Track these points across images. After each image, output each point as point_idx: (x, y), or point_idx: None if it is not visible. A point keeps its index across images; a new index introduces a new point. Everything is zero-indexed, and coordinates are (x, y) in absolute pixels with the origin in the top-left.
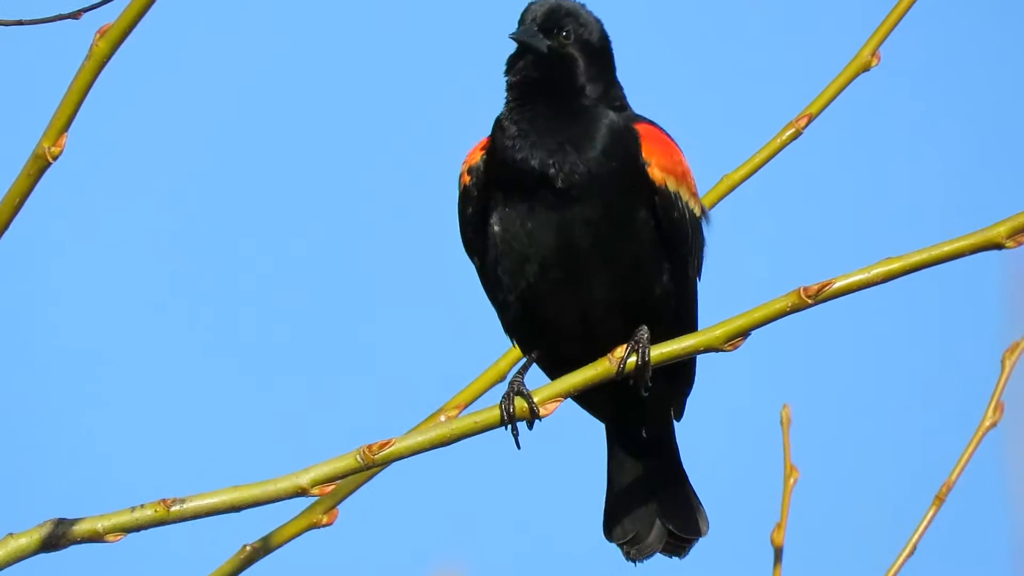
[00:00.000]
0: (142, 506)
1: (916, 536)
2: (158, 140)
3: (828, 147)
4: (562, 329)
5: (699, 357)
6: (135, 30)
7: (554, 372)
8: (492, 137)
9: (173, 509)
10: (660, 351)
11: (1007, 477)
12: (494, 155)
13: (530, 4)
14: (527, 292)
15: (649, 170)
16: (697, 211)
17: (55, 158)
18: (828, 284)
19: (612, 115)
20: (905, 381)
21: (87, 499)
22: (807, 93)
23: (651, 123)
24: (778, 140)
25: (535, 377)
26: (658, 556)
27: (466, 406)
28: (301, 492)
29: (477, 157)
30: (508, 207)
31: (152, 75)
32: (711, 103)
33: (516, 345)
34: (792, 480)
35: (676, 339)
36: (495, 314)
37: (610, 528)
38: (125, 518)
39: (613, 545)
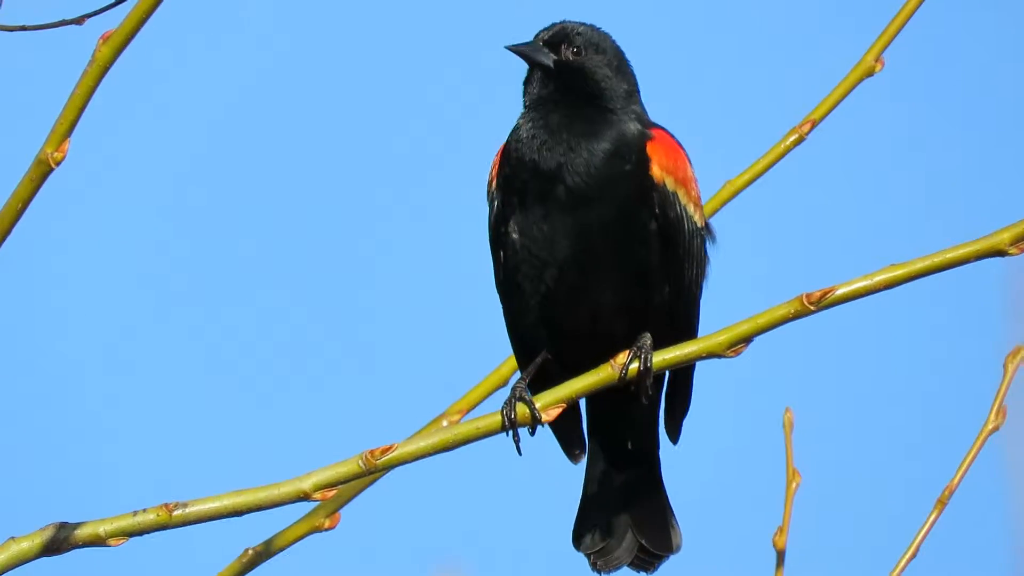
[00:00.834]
0: (144, 510)
1: (918, 539)
2: (160, 145)
3: (831, 153)
4: (573, 334)
5: (702, 363)
6: (138, 36)
7: (556, 378)
8: (507, 143)
9: (175, 513)
10: (662, 357)
11: (1009, 481)
12: (508, 159)
13: (548, 26)
14: (545, 297)
15: (650, 167)
16: (698, 221)
17: (58, 164)
18: (831, 291)
19: (625, 121)
20: (907, 386)
21: (89, 503)
22: (810, 99)
23: (664, 130)
24: (781, 146)
25: (536, 383)
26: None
27: (468, 411)
28: (303, 496)
29: (499, 160)
30: (524, 213)
31: (155, 81)
32: (714, 109)
33: (517, 353)
34: (794, 484)
35: (678, 345)
36: (497, 319)
37: (579, 537)
38: (127, 522)
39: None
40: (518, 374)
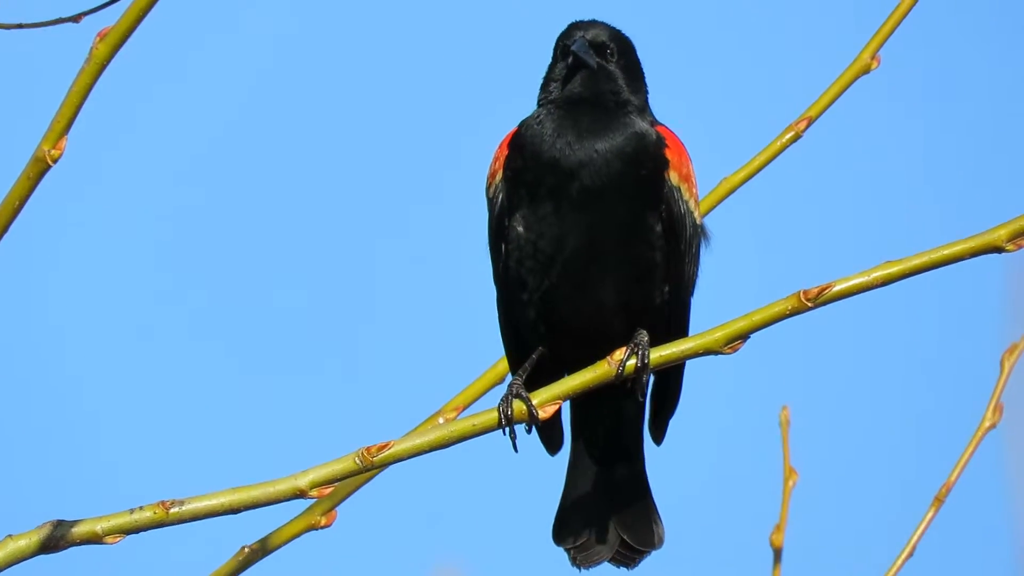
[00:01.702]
0: (141, 508)
1: (915, 537)
2: (158, 143)
3: (828, 150)
4: (572, 330)
5: (699, 360)
6: (135, 33)
7: (550, 374)
8: (522, 135)
9: (172, 511)
10: (659, 354)
11: (1006, 478)
12: (524, 152)
13: (577, 22)
14: (548, 292)
15: (666, 171)
16: (697, 220)
17: (55, 161)
18: (828, 287)
19: (645, 125)
20: (904, 383)
21: (86, 501)
22: (807, 96)
23: (668, 128)
24: (778, 143)
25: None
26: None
27: (464, 408)
28: (300, 494)
29: (505, 153)
30: (533, 207)
31: (152, 78)
32: (711, 106)
33: (509, 347)
34: (791, 482)
35: (675, 342)
36: (493, 316)
37: (560, 532)
38: (124, 520)
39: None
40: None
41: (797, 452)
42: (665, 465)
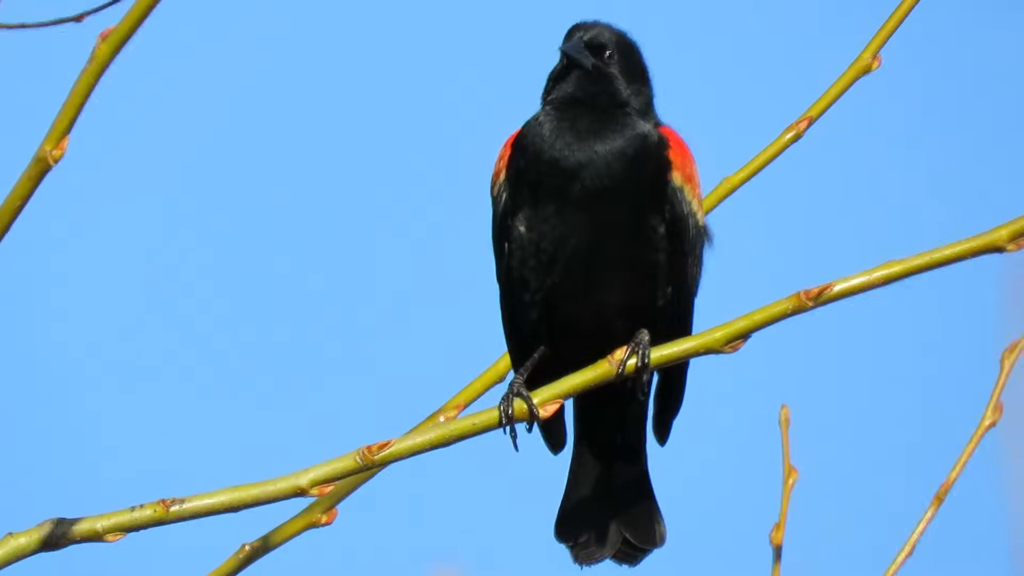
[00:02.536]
0: (141, 506)
1: (915, 536)
2: (160, 143)
3: (829, 150)
4: (574, 330)
5: (699, 359)
6: (137, 33)
7: (552, 374)
8: (524, 136)
9: (172, 509)
10: (660, 353)
11: (1006, 477)
12: (525, 152)
13: (580, 23)
14: (551, 292)
15: (669, 172)
16: (700, 220)
17: (56, 161)
18: (829, 287)
19: (647, 127)
20: (904, 382)
21: (86, 499)
22: (808, 96)
23: (672, 129)
24: (779, 143)
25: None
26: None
27: (465, 407)
28: (300, 492)
29: (509, 153)
30: (535, 207)
31: (154, 78)
32: (711, 105)
33: (511, 347)
34: (791, 480)
35: (676, 341)
36: (494, 315)
37: (562, 529)
38: (124, 518)
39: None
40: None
41: (797, 451)
42: (666, 464)
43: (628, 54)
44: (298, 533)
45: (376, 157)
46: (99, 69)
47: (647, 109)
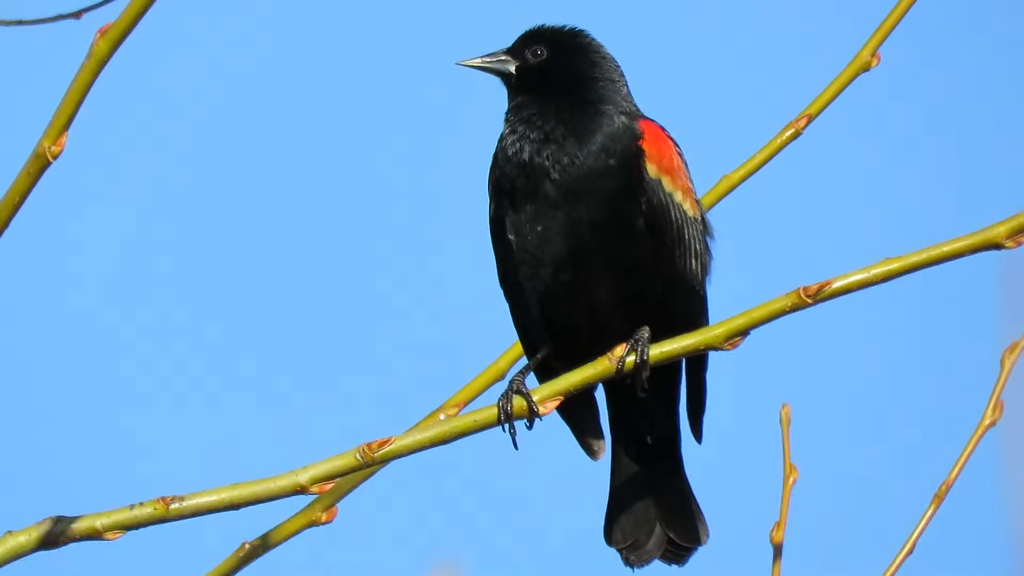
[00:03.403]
0: (141, 504)
1: (915, 534)
2: (159, 139)
3: (827, 147)
4: (573, 329)
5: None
6: (135, 30)
7: (558, 372)
8: (496, 147)
9: (172, 507)
10: (659, 350)
11: (1006, 476)
12: (497, 161)
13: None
14: (543, 294)
15: (641, 160)
16: (689, 211)
17: (55, 157)
18: (827, 284)
19: (611, 114)
20: (904, 380)
21: (86, 497)
22: (807, 93)
23: (653, 121)
24: (778, 140)
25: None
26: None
27: (465, 404)
28: (300, 490)
29: (491, 163)
30: (517, 212)
31: (153, 74)
32: (711, 103)
33: (525, 346)
34: (791, 479)
35: (675, 338)
36: (495, 312)
37: (610, 532)
38: (124, 516)
39: (612, 550)
40: (516, 367)
41: (797, 449)
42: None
43: (572, 45)
44: (298, 531)
45: (376, 155)
46: (97, 65)
47: (612, 98)
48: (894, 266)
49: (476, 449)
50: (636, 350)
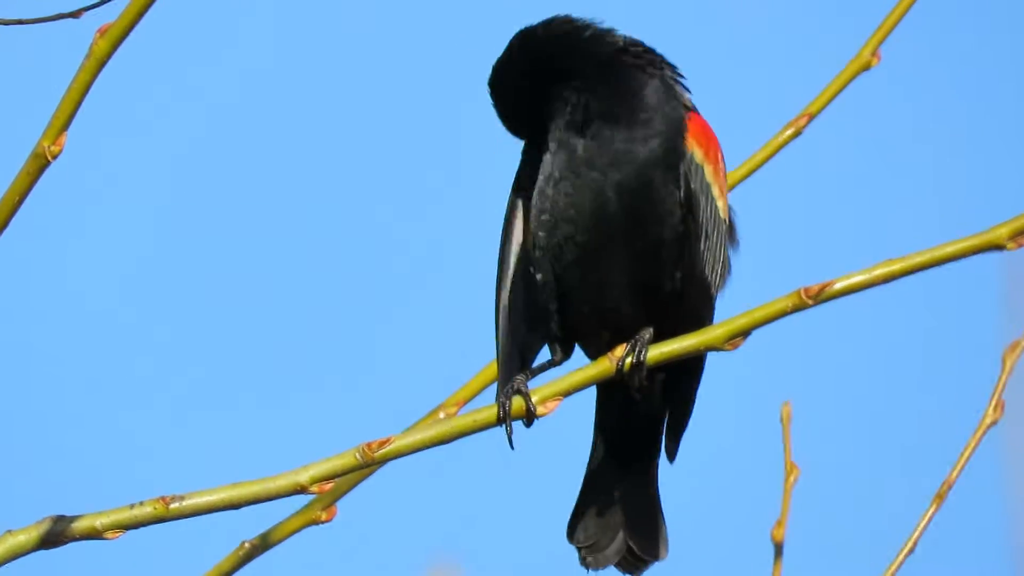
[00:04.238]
0: (141, 503)
1: (916, 534)
2: (158, 139)
3: (828, 147)
4: (580, 309)
5: (706, 369)
6: (135, 30)
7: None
8: None
9: (172, 506)
10: (659, 350)
11: (1007, 475)
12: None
13: None
14: (556, 259)
15: (686, 137)
16: (721, 210)
17: (54, 157)
18: (829, 285)
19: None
20: (906, 380)
21: (86, 496)
22: (807, 92)
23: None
24: (778, 139)
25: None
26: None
27: (465, 403)
28: (300, 489)
29: None
30: (545, 168)
31: (152, 74)
32: (711, 103)
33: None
34: (792, 478)
35: (676, 339)
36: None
37: (573, 530)
38: (124, 515)
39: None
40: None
41: (798, 448)
42: (666, 463)
43: (535, 45)
44: (298, 530)
45: (375, 155)
46: (97, 65)
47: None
48: (896, 267)
49: (476, 448)
50: (634, 351)
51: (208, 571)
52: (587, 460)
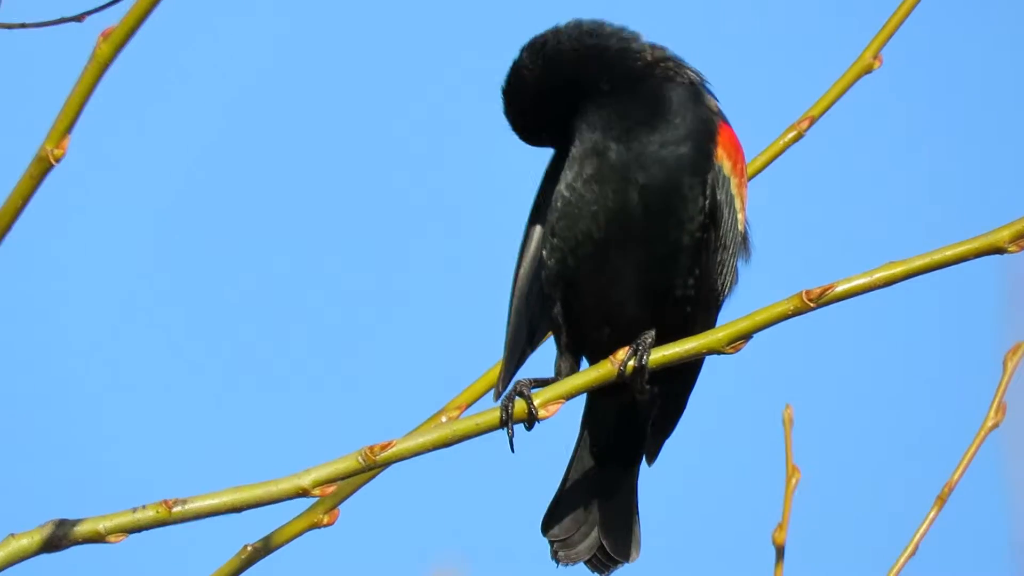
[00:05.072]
0: (144, 507)
1: (918, 536)
2: (161, 142)
3: (830, 150)
4: (587, 302)
5: (702, 375)
6: (138, 33)
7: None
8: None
9: (175, 510)
10: (661, 353)
11: (1008, 478)
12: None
13: None
14: (572, 252)
15: (717, 145)
16: (740, 223)
17: (58, 160)
18: (830, 288)
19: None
20: (907, 382)
21: (89, 500)
22: (809, 95)
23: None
24: (780, 142)
25: (536, 370)
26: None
27: (468, 407)
28: (303, 493)
29: None
30: (575, 165)
31: (156, 77)
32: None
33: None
34: (794, 480)
35: (677, 342)
36: (498, 314)
37: (548, 523)
38: (127, 519)
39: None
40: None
41: (800, 451)
42: (667, 463)
43: (550, 57)
44: (300, 534)
45: (377, 156)
46: (100, 68)
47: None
48: (897, 270)
49: (479, 451)
50: (636, 355)
51: (211, 574)
52: (570, 455)
